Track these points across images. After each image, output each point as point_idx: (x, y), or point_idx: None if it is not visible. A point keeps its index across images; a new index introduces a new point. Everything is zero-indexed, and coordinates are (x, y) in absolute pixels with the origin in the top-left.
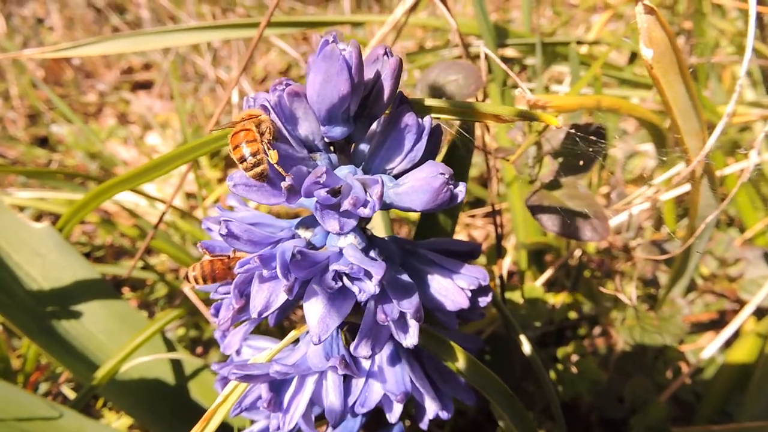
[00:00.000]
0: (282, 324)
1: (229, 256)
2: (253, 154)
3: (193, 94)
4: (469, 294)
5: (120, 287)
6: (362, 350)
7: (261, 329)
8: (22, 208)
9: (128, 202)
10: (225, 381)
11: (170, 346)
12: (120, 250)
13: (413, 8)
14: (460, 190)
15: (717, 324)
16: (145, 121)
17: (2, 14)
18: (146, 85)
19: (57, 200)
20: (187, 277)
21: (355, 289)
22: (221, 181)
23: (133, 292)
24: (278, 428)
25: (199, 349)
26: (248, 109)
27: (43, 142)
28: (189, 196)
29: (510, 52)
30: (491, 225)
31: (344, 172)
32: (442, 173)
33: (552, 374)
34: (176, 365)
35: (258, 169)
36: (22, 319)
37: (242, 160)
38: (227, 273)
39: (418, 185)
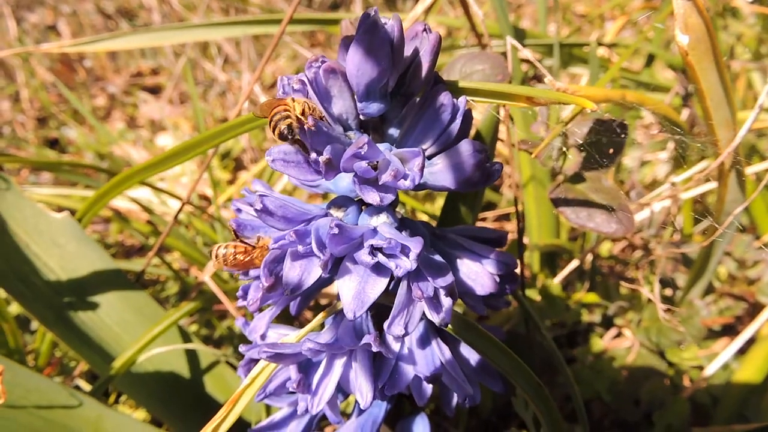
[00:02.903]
0: (299, 318)
1: (253, 246)
2: (285, 117)
3: (203, 97)
4: (498, 279)
5: None
6: (395, 329)
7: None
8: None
9: (143, 199)
10: (249, 367)
11: (186, 339)
12: (131, 249)
13: (431, 7)
14: (497, 168)
15: (731, 330)
16: (154, 125)
17: (14, 18)
18: (155, 90)
19: (72, 197)
20: (216, 255)
21: (391, 264)
22: (231, 182)
23: (145, 290)
24: (306, 411)
25: (210, 347)
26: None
27: (53, 144)
28: (199, 197)
29: (527, 54)
30: (502, 229)
31: (381, 148)
32: (478, 151)
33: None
34: (192, 358)
35: (287, 122)
36: (39, 309)
37: (271, 119)
38: (249, 264)
39: (454, 163)
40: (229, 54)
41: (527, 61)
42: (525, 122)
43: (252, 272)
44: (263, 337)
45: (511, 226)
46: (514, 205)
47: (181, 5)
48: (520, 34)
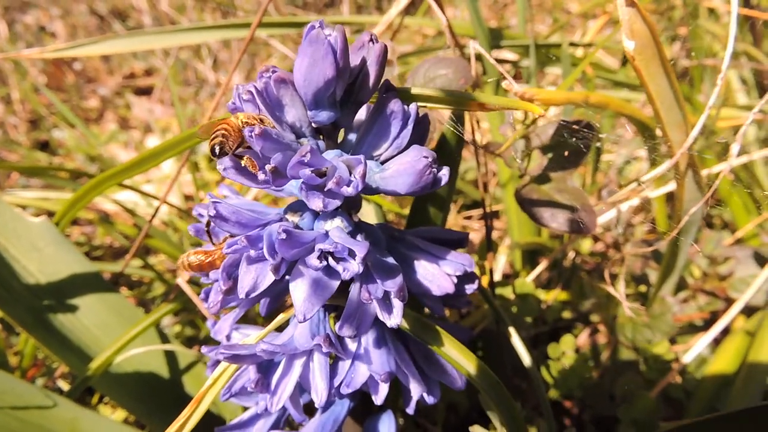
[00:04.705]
0: (273, 315)
1: (216, 247)
2: (224, 136)
3: (194, 98)
4: (455, 280)
5: (117, 286)
6: (347, 330)
7: (251, 321)
8: (24, 207)
9: (128, 202)
10: (215, 365)
11: (165, 340)
12: (118, 251)
13: (408, 9)
14: (444, 173)
15: (709, 326)
16: (146, 126)
17: (5, 21)
18: (147, 91)
19: (60, 200)
20: (182, 263)
21: (339, 268)
22: (219, 183)
23: (130, 291)
24: (266, 409)
25: (195, 348)
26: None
27: (44, 146)
28: (188, 198)
29: (506, 55)
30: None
31: (330, 155)
32: (425, 156)
33: (544, 371)
34: (170, 359)
35: (216, 140)
36: (18, 312)
37: (211, 140)
38: (212, 265)
39: (402, 168)
40: (218, 55)
41: (505, 61)
42: (500, 122)
43: (212, 275)
44: (228, 338)
45: (496, 224)
46: (497, 203)
47: (171, 7)
48: (497, 35)
